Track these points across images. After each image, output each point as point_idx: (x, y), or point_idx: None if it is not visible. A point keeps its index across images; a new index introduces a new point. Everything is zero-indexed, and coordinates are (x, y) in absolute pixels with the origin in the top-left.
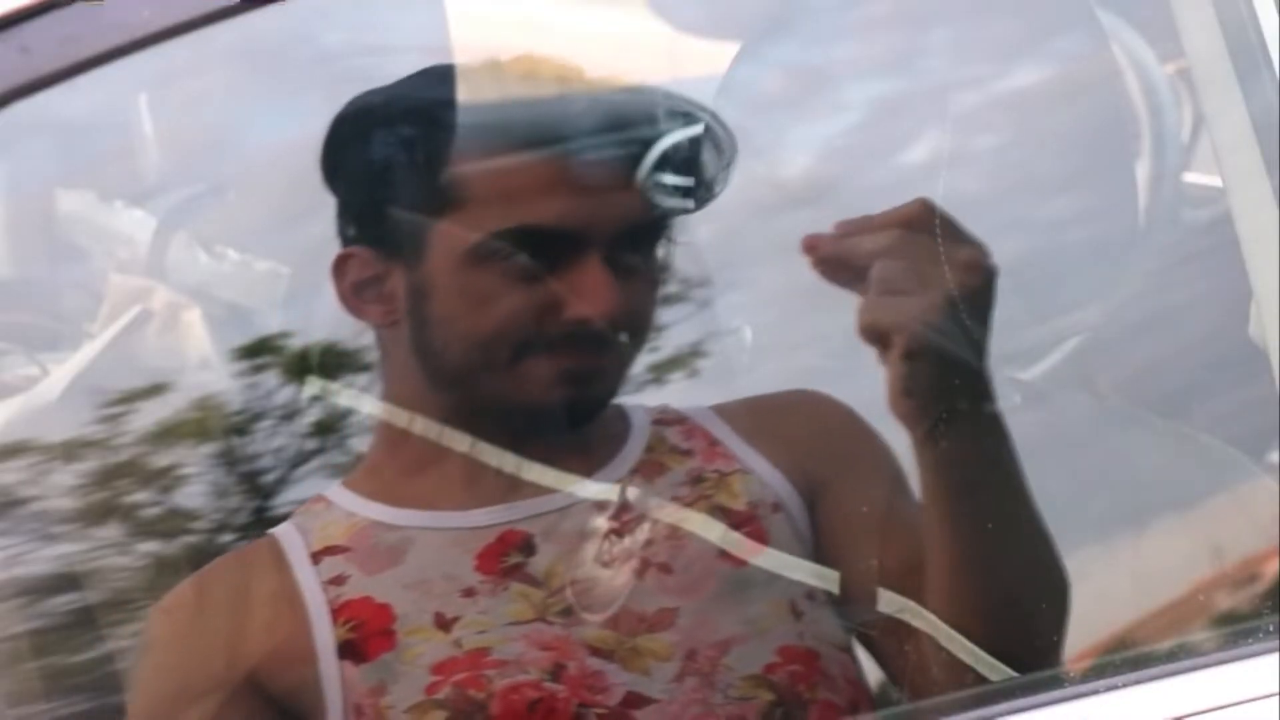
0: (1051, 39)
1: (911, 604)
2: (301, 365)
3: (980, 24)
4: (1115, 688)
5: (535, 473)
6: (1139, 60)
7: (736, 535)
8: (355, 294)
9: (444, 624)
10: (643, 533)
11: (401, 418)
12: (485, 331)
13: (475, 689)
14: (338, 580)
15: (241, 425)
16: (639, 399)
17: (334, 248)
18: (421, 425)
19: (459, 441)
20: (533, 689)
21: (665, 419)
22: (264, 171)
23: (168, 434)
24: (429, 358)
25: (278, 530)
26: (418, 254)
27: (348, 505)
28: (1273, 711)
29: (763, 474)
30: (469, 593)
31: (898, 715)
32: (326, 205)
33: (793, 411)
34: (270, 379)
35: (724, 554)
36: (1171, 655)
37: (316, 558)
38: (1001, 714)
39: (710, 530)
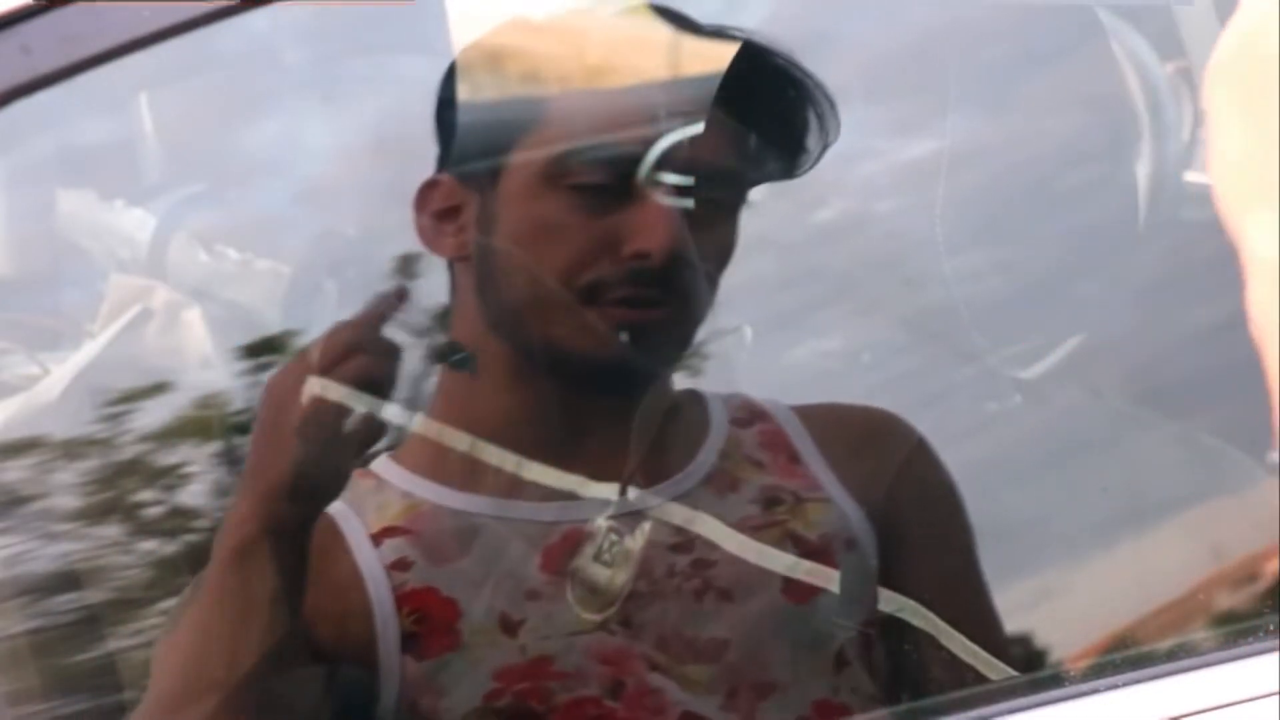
0: (1052, 38)
1: (911, 603)
2: None
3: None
4: (1115, 687)
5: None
6: (1139, 60)
7: (807, 565)
8: (434, 224)
9: (509, 627)
10: (706, 553)
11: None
12: (544, 266)
13: (536, 701)
14: (401, 565)
15: (243, 424)
16: None
17: (334, 246)
18: (491, 400)
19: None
20: (593, 706)
21: (743, 418)
22: (264, 171)
23: (169, 433)
24: (491, 293)
25: (329, 507)
26: (494, 181)
27: (403, 484)
28: (1273, 711)
29: (842, 504)
30: (533, 595)
31: (898, 715)
32: (326, 205)
33: (876, 438)
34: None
35: (787, 587)
36: (1171, 655)
37: (377, 539)
38: (1001, 714)
39: (778, 561)
